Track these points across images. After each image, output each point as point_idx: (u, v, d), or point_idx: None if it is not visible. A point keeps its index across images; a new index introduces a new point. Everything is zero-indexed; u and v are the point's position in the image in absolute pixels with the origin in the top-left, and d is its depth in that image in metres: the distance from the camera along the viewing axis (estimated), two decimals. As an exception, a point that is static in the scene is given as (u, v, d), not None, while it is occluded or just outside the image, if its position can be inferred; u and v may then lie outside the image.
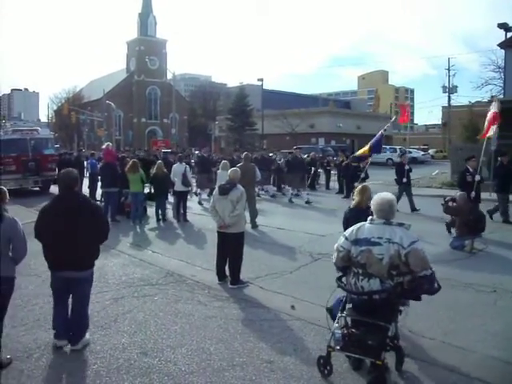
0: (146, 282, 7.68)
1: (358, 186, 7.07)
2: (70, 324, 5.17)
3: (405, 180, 15.33)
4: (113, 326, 5.76)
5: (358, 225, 4.54)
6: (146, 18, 75.64)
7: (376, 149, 13.00)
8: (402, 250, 4.14)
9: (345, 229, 5.75)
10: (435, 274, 4.35)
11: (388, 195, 4.57)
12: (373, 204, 4.53)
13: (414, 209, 15.22)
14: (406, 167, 15.49)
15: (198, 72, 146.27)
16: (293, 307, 6.37)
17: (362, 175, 13.94)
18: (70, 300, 5.28)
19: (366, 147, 13.12)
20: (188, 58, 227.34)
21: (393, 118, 20.10)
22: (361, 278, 4.34)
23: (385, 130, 13.54)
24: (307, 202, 17.49)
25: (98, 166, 17.23)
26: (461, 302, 6.88)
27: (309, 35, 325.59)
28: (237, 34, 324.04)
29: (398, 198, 14.00)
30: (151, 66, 69.88)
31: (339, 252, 4.54)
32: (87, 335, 5.28)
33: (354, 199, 6.50)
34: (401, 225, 4.37)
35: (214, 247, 8.10)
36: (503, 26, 29.25)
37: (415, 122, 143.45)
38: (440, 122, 71.69)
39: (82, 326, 5.21)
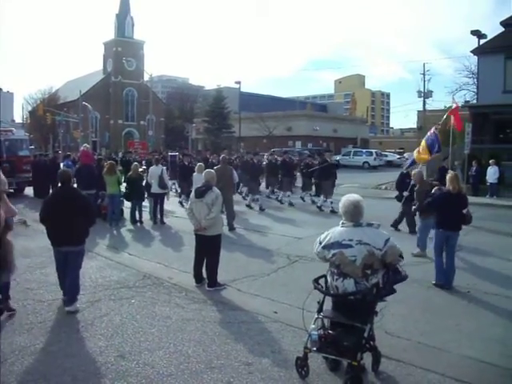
0: (123, 284, 7.64)
1: (450, 174, 7.97)
2: (66, 288, 6.54)
3: (405, 193, 11.75)
4: (89, 330, 5.72)
5: (328, 232, 4.59)
6: (123, 19, 75.06)
7: (435, 149, 12.57)
8: (378, 251, 4.21)
9: (433, 210, 7.92)
10: (406, 275, 4.49)
11: (353, 196, 4.61)
12: (340, 207, 4.60)
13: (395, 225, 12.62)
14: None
15: (175, 74, 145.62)
16: (275, 313, 6.38)
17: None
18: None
19: (424, 153, 12.55)
20: (165, 60, 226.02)
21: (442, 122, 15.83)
22: (336, 277, 4.40)
23: (436, 128, 13.10)
24: (290, 204, 17.87)
25: (74, 167, 17.05)
26: (436, 303, 7.00)
27: (286, 39, 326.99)
28: (215, 36, 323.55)
29: (401, 221, 12.42)
30: (128, 68, 69.30)
31: (317, 255, 4.63)
32: (77, 304, 6.42)
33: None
34: (370, 225, 4.45)
35: (191, 250, 8.10)
36: (476, 33, 29.78)
37: (391, 125, 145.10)
38: (415, 126, 72.52)
39: (75, 289, 6.51)
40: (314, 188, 18.85)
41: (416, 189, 10.01)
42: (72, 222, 6.35)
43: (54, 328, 5.78)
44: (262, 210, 16.45)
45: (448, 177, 8.14)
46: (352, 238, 4.31)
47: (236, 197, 16.31)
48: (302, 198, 18.97)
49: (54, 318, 6.16)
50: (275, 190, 19.54)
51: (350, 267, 4.29)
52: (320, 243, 4.57)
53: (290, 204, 17.91)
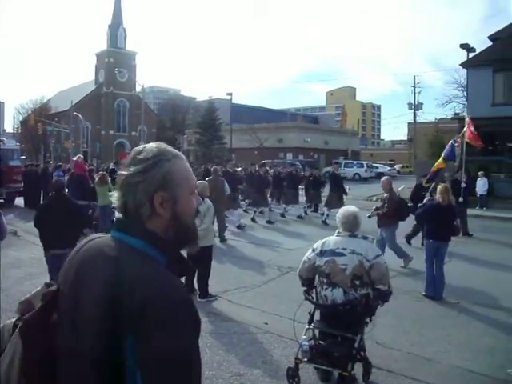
0: (114, 295, 7.61)
1: (440, 186, 8.08)
2: None
3: (461, 199, 13.01)
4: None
5: (325, 238, 4.65)
6: (115, 30, 75.21)
7: (449, 157, 12.82)
8: (366, 262, 4.26)
9: (423, 221, 8.18)
10: (390, 292, 4.47)
11: (352, 208, 4.73)
12: (338, 217, 4.67)
13: (465, 232, 13.40)
14: (463, 185, 13.62)
15: (167, 85, 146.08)
16: (266, 324, 6.40)
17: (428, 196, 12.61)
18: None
19: (440, 161, 12.83)
20: (157, 71, 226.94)
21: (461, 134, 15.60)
22: (325, 287, 4.43)
23: (455, 140, 13.37)
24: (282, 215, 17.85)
25: (65, 178, 17.02)
26: (426, 314, 7.05)
27: (278, 50, 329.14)
28: (206, 48, 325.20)
29: (415, 234, 12.53)
30: (120, 78, 69.33)
31: (305, 262, 4.65)
32: None
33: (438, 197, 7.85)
34: (365, 238, 4.53)
35: (183, 261, 8.09)
36: (465, 47, 30.20)
37: (382, 137, 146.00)
38: (406, 138, 73.06)
39: None
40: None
41: (386, 196, 10.06)
42: (64, 227, 6.76)
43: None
44: (270, 223, 16.24)
45: (438, 189, 8.25)
46: (346, 247, 4.37)
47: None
48: (305, 212, 18.67)
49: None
50: (281, 202, 19.26)
51: (340, 276, 4.33)
52: (313, 250, 4.61)
53: (299, 217, 17.84)
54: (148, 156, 1.43)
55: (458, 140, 12.99)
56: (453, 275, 8.44)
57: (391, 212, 9.21)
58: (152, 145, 1.50)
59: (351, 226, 4.54)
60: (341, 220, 4.59)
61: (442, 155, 12.80)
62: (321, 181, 19.57)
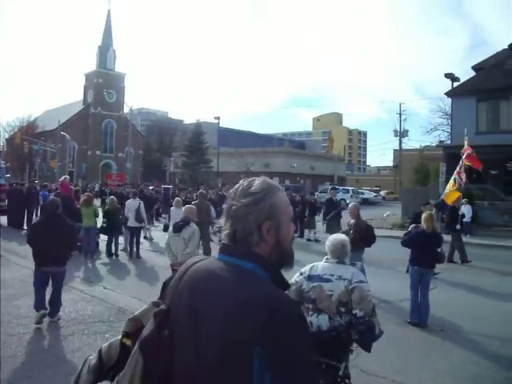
0: (97, 318, 7.53)
1: (425, 214, 8.30)
2: (50, 302, 7.34)
3: (458, 227, 14.21)
4: (61, 365, 5.60)
5: (314, 263, 4.65)
6: (105, 51, 75.62)
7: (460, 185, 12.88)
8: (349, 284, 4.27)
9: (408, 246, 8.28)
10: (374, 324, 4.37)
11: (341, 236, 4.74)
12: (327, 244, 4.67)
13: (464, 259, 14.05)
14: (461, 212, 14.18)
15: (155, 107, 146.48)
16: None
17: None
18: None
19: (454, 192, 12.77)
20: (146, 93, 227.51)
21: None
22: (310, 313, 4.40)
23: (460, 167, 13.30)
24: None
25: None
26: (410, 341, 7.04)
27: (265, 75, 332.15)
28: (194, 71, 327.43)
29: (455, 248, 14.17)
30: (108, 99, 69.45)
31: (292, 285, 4.63)
32: (60, 313, 7.45)
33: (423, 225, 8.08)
34: (353, 265, 4.54)
35: (168, 284, 8.03)
36: (450, 76, 30.73)
37: (367, 163, 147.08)
38: (391, 165, 73.76)
39: (58, 304, 7.46)
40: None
41: (352, 223, 10.07)
42: (58, 245, 7.17)
43: (24, 363, 5.64)
44: None
45: (423, 216, 8.33)
46: (333, 273, 4.37)
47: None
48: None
49: (24, 352, 6.03)
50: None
51: (326, 302, 4.31)
52: (301, 274, 4.61)
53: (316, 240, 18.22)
54: (257, 190, 1.64)
55: (458, 170, 13.05)
56: (438, 302, 8.46)
57: (357, 238, 9.23)
58: (259, 179, 1.72)
59: (339, 253, 4.55)
60: (330, 248, 4.61)
61: (455, 187, 12.77)
62: (317, 206, 19.79)
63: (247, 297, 1.42)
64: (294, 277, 4.68)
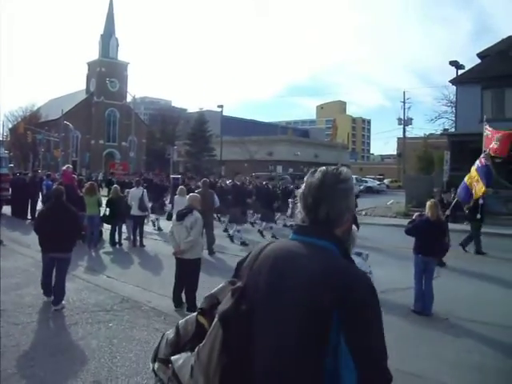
0: (101, 307, 7.52)
1: (429, 202, 8.25)
2: (54, 291, 7.51)
3: (479, 216, 13.69)
4: (65, 354, 5.61)
5: None
6: (108, 40, 75.29)
7: (489, 182, 11.84)
8: None
9: (412, 234, 8.24)
10: None
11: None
12: None
13: (479, 251, 13.84)
14: (481, 201, 13.68)
15: (158, 96, 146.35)
16: None
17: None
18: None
19: (481, 186, 11.93)
20: (149, 82, 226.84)
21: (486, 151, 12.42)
22: None
23: (484, 156, 11.43)
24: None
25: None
26: (414, 330, 7.02)
27: (269, 63, 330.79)
28: (198, 59, 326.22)
29: (473, 237, 14.09)
30: (111, 88, 69.38)
31: None
32: (64, 302, 7.46)
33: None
34: (359, 254, 4.43)
35: (171, 273, 8.04)
36: (454, 64, 30.53)
37: (371, 151, 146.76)
38: (395, 153, 73.49)
39: (62, 292, 7.52)
40: None
41: None
42: (63, 232, 7.36)
43: (28, 352, 5.64)
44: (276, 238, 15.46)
45: (427, 204, 8.28)
46: None
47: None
48: None
49: (28, 341, 6.02)
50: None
51: None
52: None
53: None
54: (348, 177, 1.87)
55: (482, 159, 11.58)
56: (442, 291, 8.43)
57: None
58: (343, 167, 1.94)
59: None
60: None
61: (481, 181, 11.68)
62: (274, 192, 18.78)
63: (325, 269, 1.64)
64: None
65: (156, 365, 1.96)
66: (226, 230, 16.20)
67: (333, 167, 1.91)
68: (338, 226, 1.80)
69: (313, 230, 1.79)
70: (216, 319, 1.78)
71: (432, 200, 8.67)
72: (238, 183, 16.43)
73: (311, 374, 1.58)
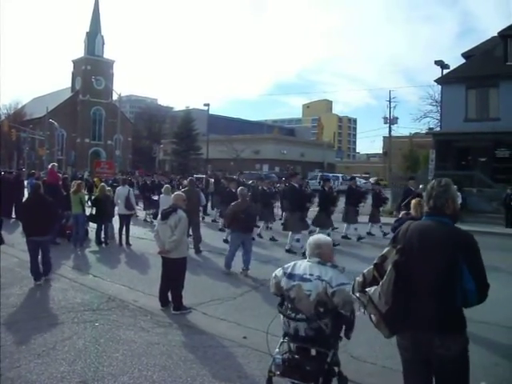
0: (87, 307, 7.49)
1: (414, 200, 8.12)
2: (43, 266, 9.12)
3: None
4: (51, 354, 5.57)
5: (297, 262, 4.56)
6: (93, 38, 74.70)
7: None
8: (330, 288, 4.17)
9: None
10: (352, 321, 4.41)
11: (323, 237, 4.67)
12: (309, 244, 4.57)
13: None
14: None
15: (144, 94, 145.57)
16: (245, 338, 6.32)
17: None
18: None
19: None
20: (135, 80, 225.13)
21: None
22: (289, 312, 4.35)
23: None
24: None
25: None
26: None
27: (255, 62, 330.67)
28: (183, 57, 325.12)
29: None
30: (97, 86, 68.76)
31: (272, 279, 4.58)
32: (52, 274, 9.31)
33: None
34: (334, 266, 4.42)
35: (157, 272, 8.02)
36: (439, 64, 30.73)
37: (357, 150, 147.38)
38: (381, 152, 73.90)
39: (49, 265, 9.26)
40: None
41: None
42: (41, 219, 8.81)
43: (12, 352, 5.60)
44: (274, 240, 15.00)
45: (412, 203, 8.34)
46: (313, 273, 4.28)
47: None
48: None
49: (13, 341, 5.98)
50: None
51: (305, 302, 4.23)
52: (283, 269, 4.53)
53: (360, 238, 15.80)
54: (445, 183, 3.42)
55: None
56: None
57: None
58: (444, 179, 3.48)
59: (319, 254, 4.46)
60: (311, 247, 4.51)
61: None
62: (333, 196, 16.05)
63: (454, 233, 3.28)
64: (276, 271, 4.61)
65: (358, 294, 3.46)
66: (272, 239, 15.11)
67: (439, 178, 3.51)
68: (447, 210, 3.36)
69: (436, 213, 3.37)
70: (390, 266, 3.25)
71: (417, 199, 8.73)
72: (296, 185, 13.97)
73: (452, 286, 3.13)
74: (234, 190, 14.05)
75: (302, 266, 4.41)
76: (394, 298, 3.19)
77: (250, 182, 21.09)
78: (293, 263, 4.50)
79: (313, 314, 4.18)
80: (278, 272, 4.53)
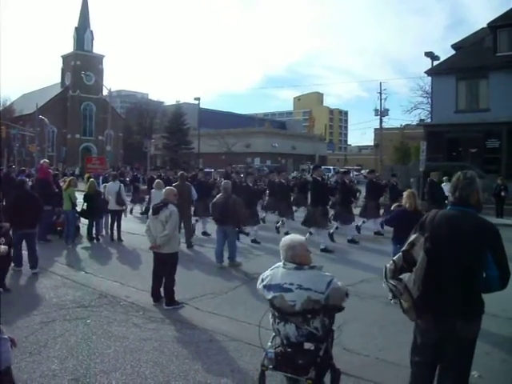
0: (79, 304, 7.46)
1: (406, 192, 8.32)
2: (29, 259, 9.48)
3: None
4: (42, 352, 5.54)
5: (273, 270, 4.40)
6: (82, 33, 74.08)
7: None
8: (320, 294, 4.03)
9: (391, 225, 8.51)
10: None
11: (297, 237, 4.40)
12: (282, 246, 4.34)
13: None
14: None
15: (134, 89, 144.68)
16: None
17: None
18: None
19: None
20: (125, 75, 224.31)
21: None
22: (277, 320, 4.26)
23: None
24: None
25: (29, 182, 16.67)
26: (393, 319, 7.06)
27: (245, 54, 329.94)
28: (174, 51, 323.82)
29: None
30: (87, 82, 68.39)
31: (258, 290, 4.45)
32: (38, 269, 9.41)
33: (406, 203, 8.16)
34: (312, 268, 4.20)
35: (149, 267, 7.99)
36: (430, 55, 30.83)
37: (349, 143, 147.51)
38: (372, 144, 73.99)
39: (35, 258, 9.47)
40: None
41: None
42: (27, 213, 9.24)
43: (4, 350, 5.57)
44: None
45: (405, 194, 8.35)
46: (293, 282, 4.08)
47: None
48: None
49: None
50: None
51: (290, 311, 4.11)
52: (262, 280, 4.40)
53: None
54: (470, 176, 3.66)
55: None
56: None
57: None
58: (470, 171, 3.75)
59: (295, 257, 4.29)
60: (285, 250, 4.27)
61: None
62: (354, 189, 15.74)
63: (479, 223, 3.49)
64: (258, 282, 4.48)
65: (393, 281, 3.62)
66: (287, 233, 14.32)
67: (464, 171, 3.76)
68: (471, 201, 3.59)
69: (461, 203, 3.60)
70: (423, 253, 3.49)
71: (409, 190, 8.75)
72: (319, 178, 13.09)
73: (478, 273, 3.42)
74: (251, 185, 14.09)
75: (279, 274, 4.21)
76: (424, 284, 3.45)
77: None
78: (270, 273, 4.32)
79: (301, 322, 4.11)
80: (259, 284, 4.41)
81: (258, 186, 15.73)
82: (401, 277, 3.59)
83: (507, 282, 3.43)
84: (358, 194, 14.96)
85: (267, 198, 17.16)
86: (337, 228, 14.05)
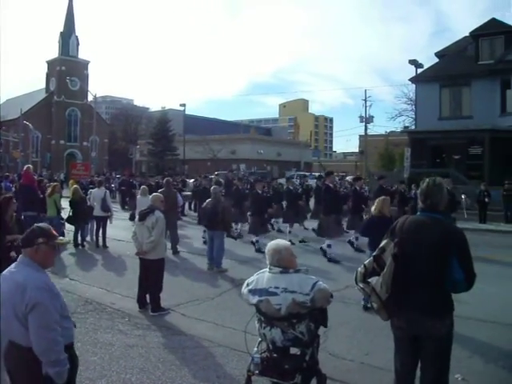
0: (64, 310, 7.41)
1: (378, 199, 8.34)
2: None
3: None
4: (27, 358, 5.50)
5: (258, 275, 4.44)
6: (67, 38, 73.58)
7: None
8: (306, 296, 4.08)
9: (367, 234, 8.20)
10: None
11: (282, 242, 4.45)
12: (268, 251, 4.38)
13: None
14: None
15: (120, 95, 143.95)
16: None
17: None
18: None
19: None
20: (110, 81, 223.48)
21: None
22: (263, 325, 4.28)
23: None
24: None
25: (12, 188, 16.55)
26: (377, 324, 7.10)
27: (231, 61, 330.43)
28: (159, 57, 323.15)
29: None
30: (72, 87, 67.84)
31: (243, 295, 4.46)
32: None
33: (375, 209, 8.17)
34: (297, 271, 4.25)
35: (134, 274, 7.98)
36: (414, 63, 31.20)
37: (334, 149, 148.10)
38: (357, 150, 74.39)
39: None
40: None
41: None
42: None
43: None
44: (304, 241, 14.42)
45: (377, 201, 8.39)
46: (278, 285, 4.13)
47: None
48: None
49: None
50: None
51: (276, 315, 4.14)
52: (247, 285, 4.43)
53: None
54: (439, 182, 3.83)
55: None
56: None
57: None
58: (438, 178, 3.88)
59: (280, 262, 4.35)
60: (271, 254, 4.31)
61: None
62: (365, 196, 15.05)
63: (446, 228, 3.68)
64: (243, 287, 4.50)
65: (361, 284, 3.86)
66: (302, 241, 14.41)
67: (432, 178, 3.88)
68: (440, 207, 3.74)
69: (431, 209, 3.75)
70: (390, 258, 3.65)
71: (381, 197, 8.73)
72: (259, 191, 13.75)
73: (443, 276, 3.57)
74: (260, 192, 13.85)
75: (265, 278, 4.25)
76: (393, 287, 3.63)
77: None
78: (256, 278, 4.35)
79: (286, 326, 4.13)
80: (244, 289, 4.43)
81: (266, 194, 15.25)
82: (369, 280, 3.80)
83: (472, 284, 3.60)
84: (368, 202, 14.53)
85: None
86: (357, 238, 13.15)
